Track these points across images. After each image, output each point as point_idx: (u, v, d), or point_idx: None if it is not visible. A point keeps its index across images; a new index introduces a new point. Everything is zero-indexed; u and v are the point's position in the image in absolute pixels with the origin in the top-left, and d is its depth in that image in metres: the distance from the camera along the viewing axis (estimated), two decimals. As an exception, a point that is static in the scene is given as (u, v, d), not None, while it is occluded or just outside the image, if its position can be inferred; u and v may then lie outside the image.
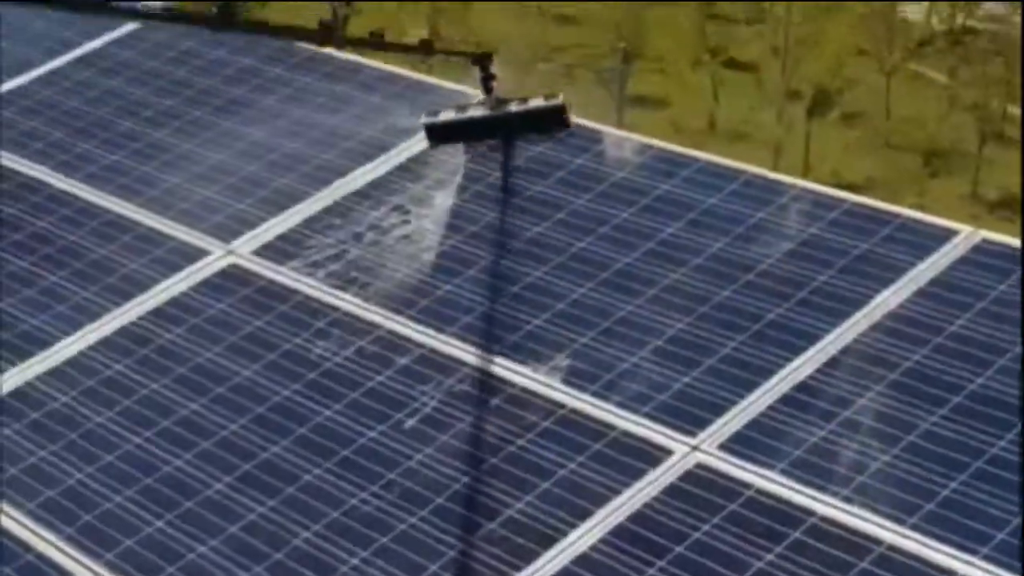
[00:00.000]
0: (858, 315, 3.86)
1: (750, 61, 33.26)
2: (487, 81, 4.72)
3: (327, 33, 4.45)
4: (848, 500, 3.39)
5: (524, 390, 3.84)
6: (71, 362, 4.24)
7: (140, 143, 5.09)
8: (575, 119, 4.75)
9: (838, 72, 32.15)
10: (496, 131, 4.67)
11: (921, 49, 34.59)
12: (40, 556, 3.68)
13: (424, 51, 4.78)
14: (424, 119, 4.72)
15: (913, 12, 35.49)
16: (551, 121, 4.65)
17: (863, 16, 32.91)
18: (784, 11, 32.92)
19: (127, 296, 4.43)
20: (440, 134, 4.69)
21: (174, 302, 4.37)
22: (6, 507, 3.83)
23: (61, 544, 3.69)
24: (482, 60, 4.75)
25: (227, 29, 4.48)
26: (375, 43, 4.62)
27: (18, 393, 4.18)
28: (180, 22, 5.18)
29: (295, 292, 4.31)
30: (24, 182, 5.01)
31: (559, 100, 4.67)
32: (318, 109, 5.06)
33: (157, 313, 4.34)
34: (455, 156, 4.69)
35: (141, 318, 4.34)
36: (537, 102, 4.68)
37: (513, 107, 4.68)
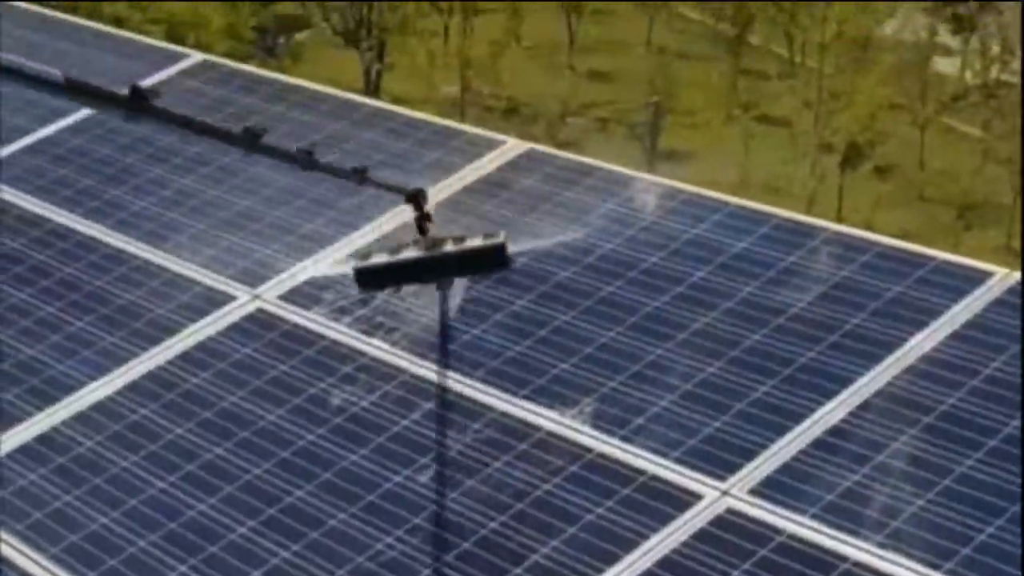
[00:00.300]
0: (891, 358, 3.81)
1: (782, 115, 33.30)
2: (421, 221, 4.40)
3: (253, 139, 4.31)
4: (882, 546, 3.33)
5: (551, 434, 3.80)
6: (97, 407, 4.22)
7: (168, 190, 5.08)
8: (607, 166, 4.73)
9: (871, 125, 32.13)
10: (432, 273, 4.34)
11: (955, 103, 34.57)
12: (63, 601, 3.65)
13: (357, 178, 4.42)
14: (354, 263, 4.41)
15: (946, 66, 35.48)
16: (491, 261, 4.32)
17: (896, 69, 32.92)
18: (816, 65, 32.96)
19: (154, 341, 4.41)
20: (371, 279, 4.37)
21: (200, 347, 4.34)
22: (30, 552, 3.80)
23: (84, 589, 3.66)
24: (415, 197, 4.40)
25: (141, 113, 4.29)
26: (303, 160, 4.35)
27: (44, 438, 4.16)
28: (94, 104, 4.79)
29: (321, 337, 4.28)
30: (53, 228, 5.01)
31: (499, 239, 4.34)
32: (347, 156, 5.05)
33: (183, 357, 4.32)
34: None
35: (168, 363, 4.31)
36: (475, 242, 4.35)
37: (449, 247, 4.35)
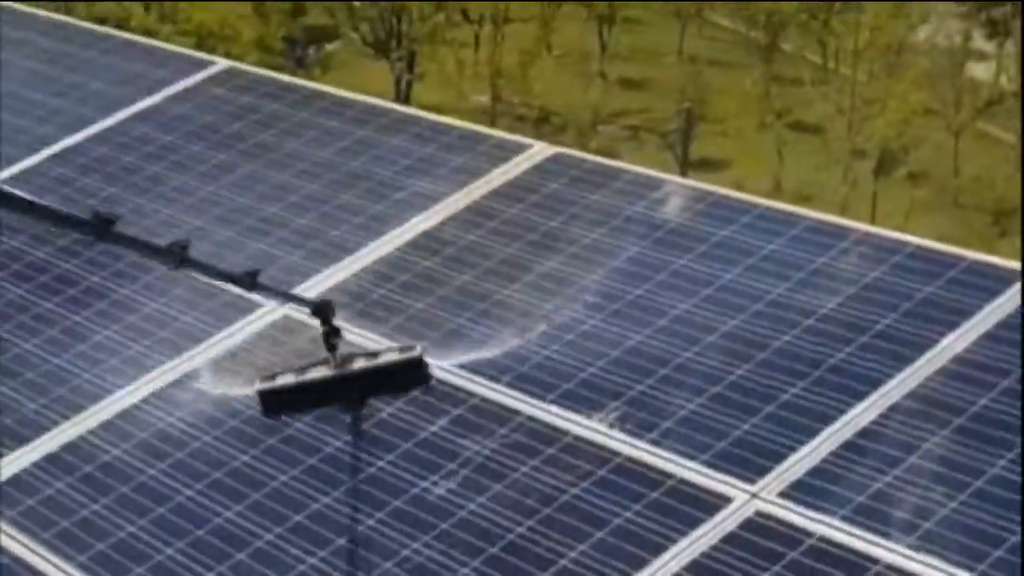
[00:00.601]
0: (923, 359, 3.76)
1: (815, 122, 33.19)
2: (329, 337, 3.96)
3: (104, 226, 3.95)
4: (913, 547, 3.28)
5: (578, 438, 3.77)
6: (123, 415, 4.21)
7: (193, 197, 5.07)
8: (636, 168, 4.70)
9: (904, 131, 31.98)
10: (344, 393, 3.98)
11: (989, 108, 34.38)
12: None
13: (247, 284, 4.00)
14: (258, 385, 4.04)
15: (981, 71, 35.31)
16: (408, 377, 3.98)
17: (930, 75, 32.78)
18: (849, 71, 32.84)
19: (181, 349, 4.39)
20: (277, 403, 4.00)
21: (228, 355, 4.32)
22: (57, 560, 3.78)
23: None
24: (322, 310, 3.99)
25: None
26: (176, 255, 3.91)
27: (71, 446, 4.15)
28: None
29: (347, 342, 4.25)
30: (79, 237, 5.00)
31: (415, 352, 3.99)
32: (373, 161, 5.03)
33: (210, 365, 4.30)
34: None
35: (194, 371, 4.30)
36: (390, 356, 3.99)
37: (361, 363, 3.99)
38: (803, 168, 31.37)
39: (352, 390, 3.98)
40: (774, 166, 32.03)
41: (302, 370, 4.01)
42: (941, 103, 33.28)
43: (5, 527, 3.92)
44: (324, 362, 4.00)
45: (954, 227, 29.52)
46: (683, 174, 28.79)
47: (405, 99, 32.10)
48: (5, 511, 3.97)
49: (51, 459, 4.11)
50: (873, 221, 29.26)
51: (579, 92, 34.27)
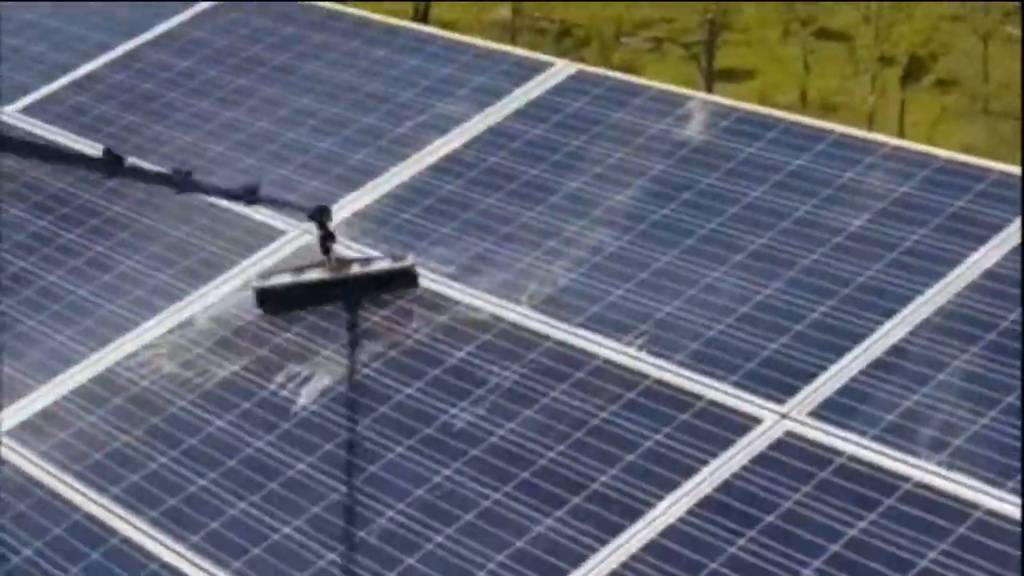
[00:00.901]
0: (952, 275, 3.72)
1: (841, 30, 32.84)
2: (325, 240, 4.20)
3: (115, 162, 4.02)
4: (943, 464, 3.27)
5: (607, 361, 3.75)
6: (150, 345, 4.21)
7: (213, 123, 5.04)
8: (658, 85, 4.65)
9: (932, 37, 31.64)
10: (337, 295, 4.15)
11: (1019, 10, 33.93)
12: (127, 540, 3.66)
13: (247, 199, 4.22)
14: (255, 283, 4.23)
15: (1007, -27, 34.84)
16: (398, 283, 4.14)
17: (955, -21, 32.39)
18: (875, -23, 32.47)
19: (206, 279, 4.38)
20: (274, 301, 4.19)
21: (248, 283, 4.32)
22: (86, 489, 3.80)
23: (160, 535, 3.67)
24: (319, 215, 4.20)
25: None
26: (182, 182, 4.09)
27: (101, 379, 4.15)
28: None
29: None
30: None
31: (408, 262, 4.15)
32: (392, 83, 4.99)
33: (237, 294, 4.29)
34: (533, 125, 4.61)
35: (220, 300, 4.29)
36: (383, 263, 4.16)
37: (356, 268, 4.17)
38: (829, 77, 31.10)
39: (345, 293, 4.14)
40: (800, 75, 31.75)
41: (299, 270, 4.19)
42: (969, 7, 32.89)
43: (37, 460, 3.93)
44: (320, 265, 4.19)
45: (984, 135, 29.27)
46: (708, 85, 28.59)
47: (423, 18, 31.88)
48: (37, 444, 3.98)
49: (80, 391, 4.12)
50: (901, 130, 29.06)
51: (600, 4, 33.97)
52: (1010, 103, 30.56)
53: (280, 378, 3.97)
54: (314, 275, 4.19)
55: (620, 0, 32.88)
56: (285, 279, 4.20)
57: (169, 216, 4.66)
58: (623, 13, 33.78)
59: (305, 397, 3.90)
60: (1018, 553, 3.05)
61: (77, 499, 3.80)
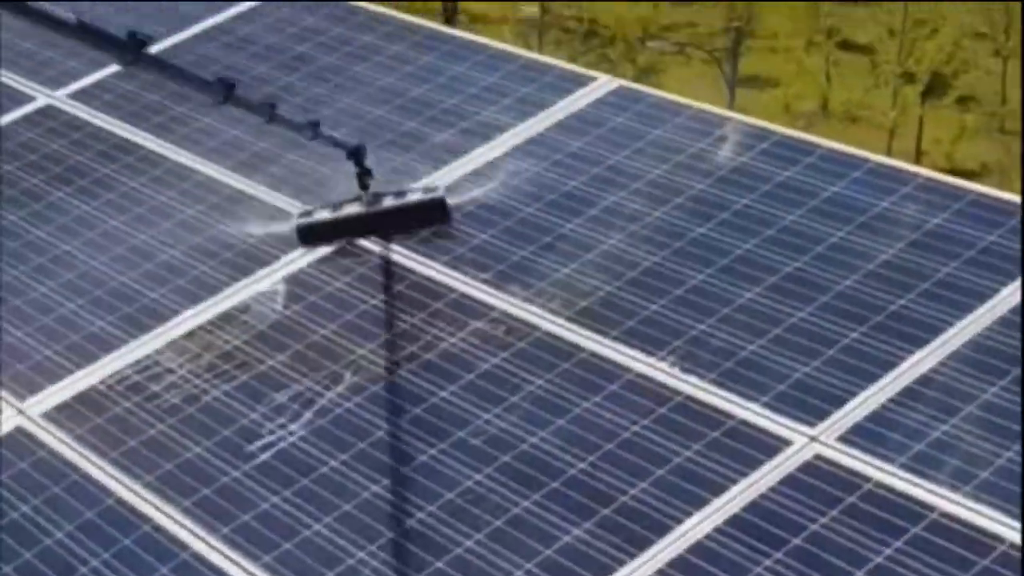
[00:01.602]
0: (983, 308, 3.79)
1: (865, 43, 32.86)
2: (362, 177, 4.46)
3: (229, 89, 4.17)
4: (970, 497, 3.33)
5: (641, 376, 3.82)
6: (190, 335, 4.28)
7: (254, 119, 5.09)
8: (698, 104, 4.71)
9: (954, 55, 31.65)
10: (374, 228, 4.44)
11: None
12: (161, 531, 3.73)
13: (309, 133, 4.37)
14: (297, 220, 4.51)
15: (1033, -6, 34.80)
16: (431, 215, 4.42)
17: (982, -3, 32.35)
18: (901, -8, 32.45)
19: (247, 272, 4.45)
20: (314, 235, 4.47)
21: (293, 279, 4.39)
22: (124, 478, 3.87)
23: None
24: (356, 153, 4.44)
25: (135, 63, 4.13)
26: (267, 112, 4.30)
27: (137, 364, 4.22)
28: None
29: (410, 272, 4.31)
30: (117, 143, 5.09)
31: (439, 193, 4.45)
32: (437, 89, 5.05)
33: (275, 289, 4.37)
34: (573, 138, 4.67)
35: (260, 293, 4.36)
36: (415, 196, 4.46)
37: (389, 202, 4.47)
38: (851, 89, 31.13)
39: (381, 225, 4.43)
40: (822, 86, 31.79)
41: (337, 206, 4.49)
42: (991, 26, 32.89)
43: (73, 443, 4.00)
44: (356, 199, 4.48)
45: (1000, 153, 29.28)
46: (731, 92, 28.60)
47: (454, 10, 31.93)
48: (73, 427, 4.06)
49: (116, 377, 4.18)
50: (919, 145, 29.07)
51: (628, 5, 34.00)
52: (1028, 124, 30.51)
53: (316, 374, 4.04)
54: (351, 210, 4.46)
55: (647, 0, 32.90)
56: (324, 215, 4.48)
57: (183, 195, 4.75)
58: (649, 15, 33.79)
59: (336, 393, 3.97)
60: (1039, 587, 3.12)
61: (112, 484, 3.86)
